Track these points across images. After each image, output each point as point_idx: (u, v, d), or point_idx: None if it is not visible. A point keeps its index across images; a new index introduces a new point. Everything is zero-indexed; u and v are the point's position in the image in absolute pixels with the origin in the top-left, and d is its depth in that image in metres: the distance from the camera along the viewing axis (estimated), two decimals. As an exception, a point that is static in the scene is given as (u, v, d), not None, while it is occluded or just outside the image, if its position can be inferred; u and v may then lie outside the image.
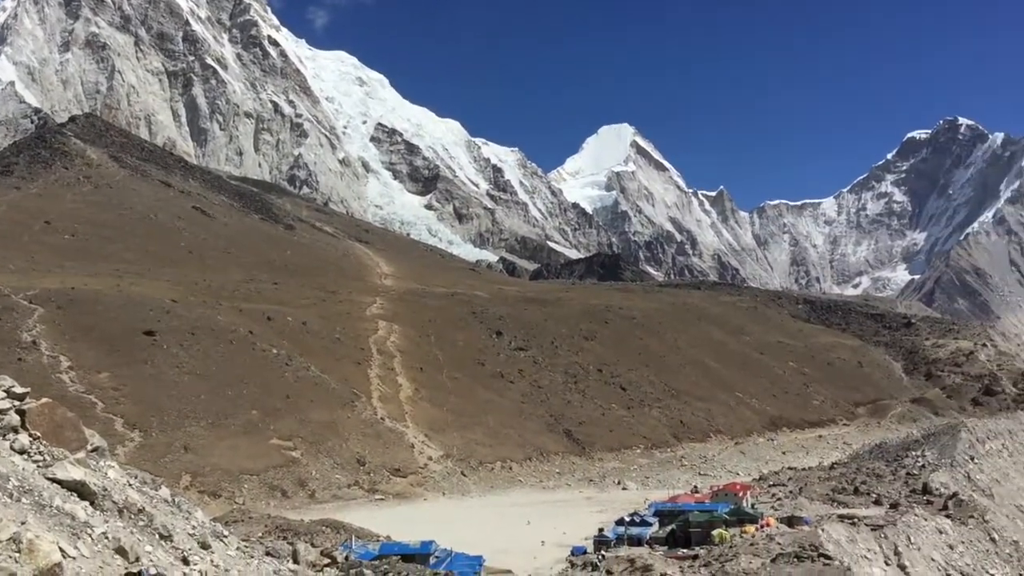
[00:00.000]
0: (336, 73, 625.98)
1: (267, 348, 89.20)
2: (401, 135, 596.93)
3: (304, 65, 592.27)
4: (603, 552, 40.95)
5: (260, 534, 42.80)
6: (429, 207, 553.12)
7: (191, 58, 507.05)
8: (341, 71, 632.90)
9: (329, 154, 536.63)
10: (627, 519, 48.05)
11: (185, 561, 17.91)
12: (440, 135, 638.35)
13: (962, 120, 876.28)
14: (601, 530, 46.65)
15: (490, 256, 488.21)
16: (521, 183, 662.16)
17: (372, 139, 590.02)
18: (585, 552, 42.94)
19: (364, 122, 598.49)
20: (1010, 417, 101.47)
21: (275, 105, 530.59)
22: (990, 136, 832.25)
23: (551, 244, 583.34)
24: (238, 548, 21.71)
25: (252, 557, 21.72)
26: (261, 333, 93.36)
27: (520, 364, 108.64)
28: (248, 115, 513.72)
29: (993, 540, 52.18)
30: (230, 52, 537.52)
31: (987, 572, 47.28)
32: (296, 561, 30.35)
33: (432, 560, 37.56)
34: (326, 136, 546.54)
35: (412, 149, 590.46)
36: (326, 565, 32.69)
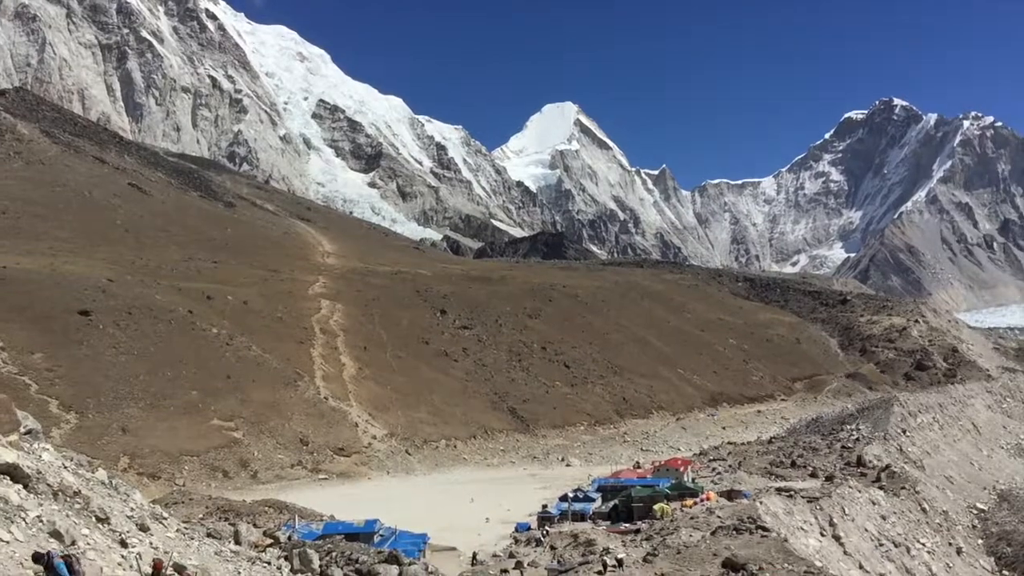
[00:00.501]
0: (276, 48, 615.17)
1: (207, 328, 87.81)
2: (343, 112, 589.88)
3: (243, 39, 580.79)
4: (547, 528, 41.32)
5: (201, 516, 42.31)
6: (372, 185, 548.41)
7: (125, 31, 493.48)
8: (281, 46, 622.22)
9: (270, 131, 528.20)
10: (571, 495, 48.55)
11: (123, 544, 17.66)
12: (383, 112, 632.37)
13: (897, 101, 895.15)
14: (545, 506, 47.05)
15: (434, 234, 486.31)
16: (465, 161, 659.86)
17: (314, 116, 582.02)
18: (529, 528, 43.30)
19: (305, 98, 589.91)
20: (940, 391, 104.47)
21: (213, 80, 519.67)
22: (924, 117, 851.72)
23: (495, 222, 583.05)
24: (178, 530, 21.47)
25: (192, 539, 21.50)
26: (201, 312, 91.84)
27: (464, 342, 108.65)
28: (185, 90, 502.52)
29: (924, 510, 53.82)
30: (166, 25, 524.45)
31: (918, 541, 48.73)
32: (238, 542, 30.06)
33: (376, 539, 37.53)
34: (266, 112, 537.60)
35: (355, 126, 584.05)
36: (268, 545, 32.45)
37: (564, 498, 48.08)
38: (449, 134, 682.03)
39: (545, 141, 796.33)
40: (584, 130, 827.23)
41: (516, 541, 40.62)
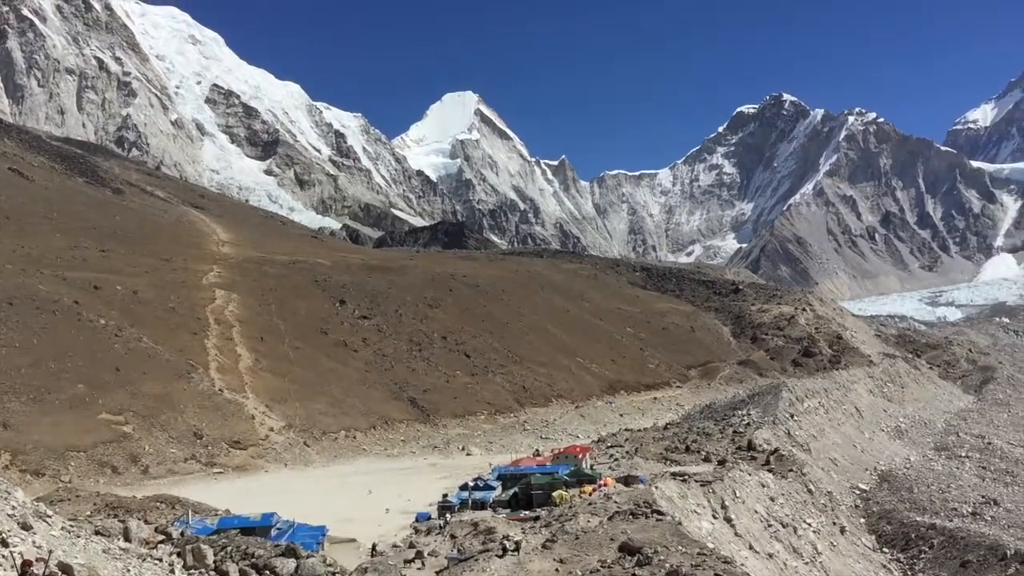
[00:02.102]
0: (168, 30, 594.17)
1: (94, 319, 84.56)
2: (238, 97, 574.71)
3: (132, 20, 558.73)
4: (447, 517, 41.35)
5: (88, 513, 40.81)
6: (269, 172, 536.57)
7: (5, 8, 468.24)
8: (173, 28, 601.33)
9: (160, 115, 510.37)
10: (471, 484, 48.67)
11: (4, 543, 16.91)
12: (280, 98, 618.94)
13: (786, 96, 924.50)
14: (445, 495, 47.04)
15: (333, 223, 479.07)
16: (364, 149, 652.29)
17: (207, 100, 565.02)
18: (429, 518, 43.23)
19: (198, 82, 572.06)
20: (826, 377, 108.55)
21: (100, 62, 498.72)
22: (811, 112, 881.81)
23: (395, 212, 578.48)
24: (63, 528, 20.68)
25: (79, 536, 20.74)
26: (88, 303, 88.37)
27: (364, 332, 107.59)
28: (70, 72, 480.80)
29: (810, 491, 55.85)
30: (49, 3, 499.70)
31: (804, 521, 50.53)
32: (128, 539, 29.16)
33: (273, 532, 36.88)
34: (157, 96, 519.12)
35: (250, 112, 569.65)
36: (160, 542, 31.57)
37: (465, 487, 48.16)
38: (348, 122, 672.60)
39: (446, 130, 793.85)
40: (485, 120, 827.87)
41: (416, 531, 40.49)
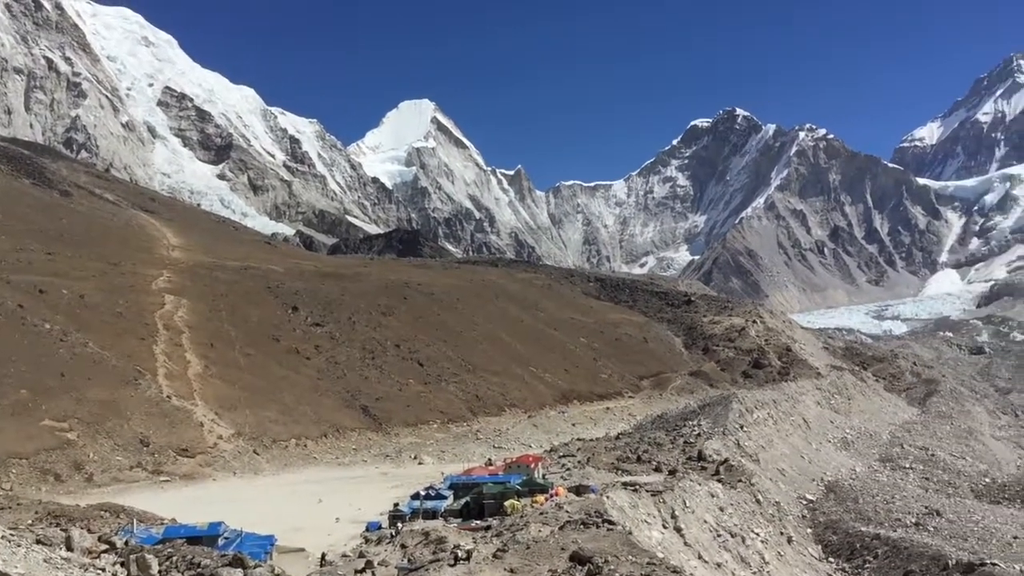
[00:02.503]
0: (120, 31, 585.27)
1: (39, 323, 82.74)
2: (191, 100, 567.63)
3: (83, 20, 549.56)
4: (398, 526, 41.12)
5: (30, 521, 39.83)
6: (222, 177, 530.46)
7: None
8: (125, 29, 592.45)
9: (111, 117, 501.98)
10: (423, 493, 48.42)
11: (-60, 553, 16.48)
12: (234, 102, 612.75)
13: (740, 111, 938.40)
14: (396, 505, 46.71)
15: (286, 229, 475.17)
16: (319, 155, 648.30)
17: (159, 103, 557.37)
18: (380, 527, 42.93)
19: (151, 85, 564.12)
20: (775, 388, 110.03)
21: (49, 62, 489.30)
22: (763, 127, 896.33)
23: (350, 218, 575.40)
24: (3, 536, 20.21)
25: (19, 546, 20.29)
26: (32, 307, 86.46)
27: (317, 340, 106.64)
28: (18, 71, 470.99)
29: (758, 501, 56.52)
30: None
31: (752, 531, 51.13)
32: (70, 548, 28.59)
33: (221, 541, 36.35)
34: (107, 98, 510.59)
35: (203, 116, 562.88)
36: (103, 551, 30.96)
37: (416, 496, 47.92)
38: (303, 127, 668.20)
39: (401, 138, 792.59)
40: (441, 128, 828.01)
41: (367, 540, 40.22)
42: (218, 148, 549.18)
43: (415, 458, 79.03)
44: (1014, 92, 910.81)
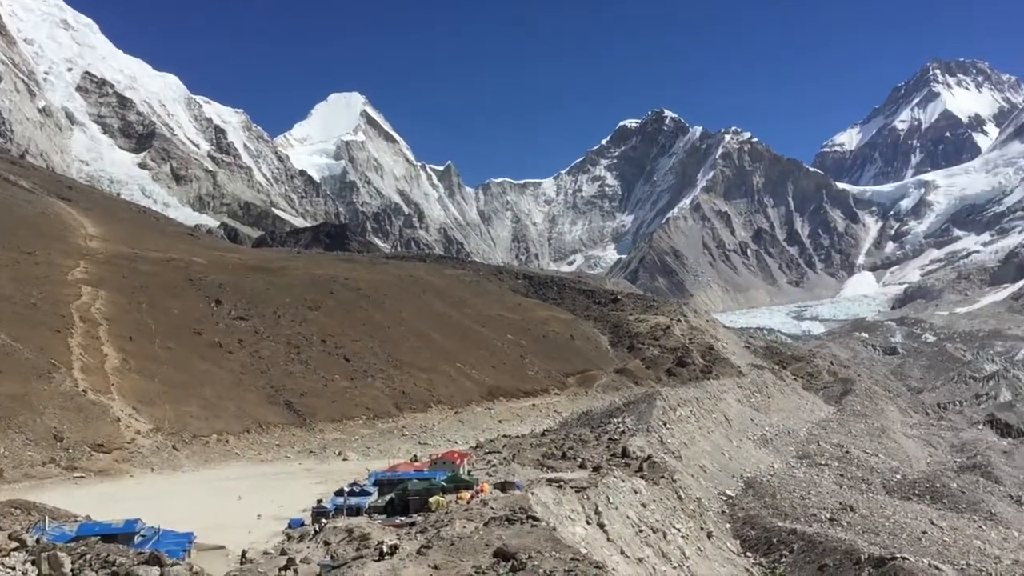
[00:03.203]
0: (37, 13, 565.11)
1: (-54, 313, 79.67)
2: (112, 86, 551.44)
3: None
4: (322, 523, 40.73)
5: (-66, 520, 38.34)
6: (143, 166, 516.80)
7: None
8: (43, 11, 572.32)
9: (27, 102, 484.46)
10: (347, 489, 47.98)
11: None
12: (157, 90, 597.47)
13: (667, 113, 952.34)
14: (320, 501, 46.27)
15: (210, 221, 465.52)
16: (245, 146, 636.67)
17: (78, 89, 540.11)
18: (303, 524, 42.47)
19: (69, 69, 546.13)
20: (698, 386, 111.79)
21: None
22: (690, 129, 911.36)
23: (276, 211, 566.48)
24: (-95, 536, 19.40)
25: (-78, 545, 19.51)
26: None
27: (240, 334, 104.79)
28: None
29: (680, 498, 57.41)
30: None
31: (673, 527, 51.94)
32: (-23, 547, 27.63)
33: (137, 539, 35.51)
34: (23, 82, 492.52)
35: (125, 102, 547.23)
36: (13, 549, 29.94)
37: (340, 492, 47.47)
38: (229, 117, 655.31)
39: (330, 131, 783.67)
40: (371, 122, 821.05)
41: (288, 537, 39.73)
42: (140, 136, 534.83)
43: (340, 454, 78.28)
44: (930, 101, 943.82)
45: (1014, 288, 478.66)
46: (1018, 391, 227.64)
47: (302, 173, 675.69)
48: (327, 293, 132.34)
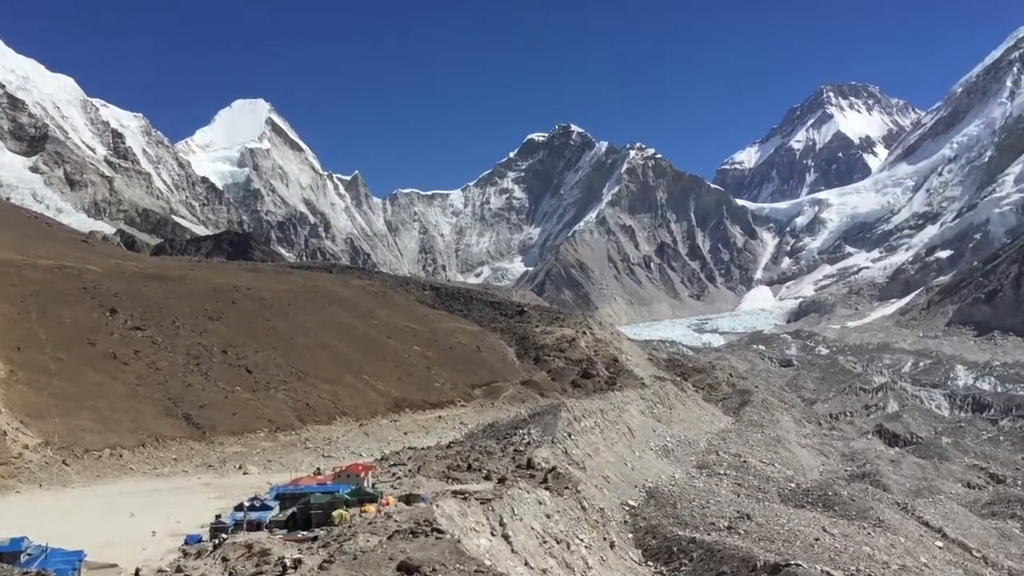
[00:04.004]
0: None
1: None
2: (3, 87, 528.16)
3: None
4: (220, 538, 39.80)
5: None
6: (35, 170, 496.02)
7: None
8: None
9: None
10: (247, 504, 46.95)
11: None
12: (51, 91, 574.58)
13: (574, 127, 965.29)
14: (219, 516, 45.16)
15: (106, 228, 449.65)
16: (145, 152, 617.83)
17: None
18: (200, 540, 41.38)
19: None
20: (602, 398, 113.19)
21: None
22: (596, 144, 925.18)
23: (176, 218, 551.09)
24: None
25: None
26: None
27: (137, 344, 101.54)
28: None
29: (583, 508, 58.05)
30: None
31: (577, 537, 52.49)
32: None
33: (24, 558, 34.04)
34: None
35: (16, 104, 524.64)
36: None
37: (240, 507, 46.40)
38: (128, 121, 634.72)
39: (234, 137, 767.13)
40: (276, 129, 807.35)
41: (185, 554, 38.68)
42: (32, 139, 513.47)
43: (240, 468, 76.55)
44: (824, 122, 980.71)
45: (901, 303, 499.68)
46: (904, 402, 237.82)
47: (204, 180, 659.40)
48: (229, 303, 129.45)
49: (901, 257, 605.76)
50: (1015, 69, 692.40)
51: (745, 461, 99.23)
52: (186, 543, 41.18)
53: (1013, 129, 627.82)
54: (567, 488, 58.24)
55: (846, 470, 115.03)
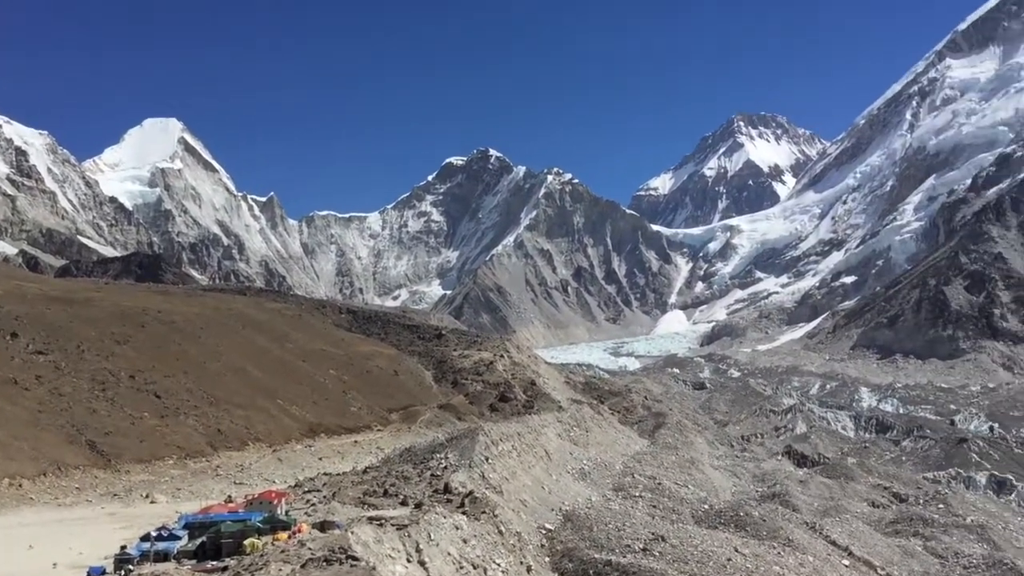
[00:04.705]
0: None
1: None
2: None
3: None
4: (126, 569, 38.52)
5: None
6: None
7: None
8: None
9: None
10: (153, 534, 45.54)
11: None
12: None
13: (493, 151, 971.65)
14: (124, 547, 43.67)
15: (8, 248, 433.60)
16: (50, 170, 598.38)
17: None
18: (104, 572, 39.97)
19: None
20: (520, 421, 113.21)
21: None
22: (515, 168, 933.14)
23: (83, 239, 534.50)
24: None
25: None
26: None
27: (39, 369, 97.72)
28: None
29: (500, 532, 57.97)
30: None
31: (494, 562, 52.36)
32: None
33: (-87, 596, 32.39)
34: None
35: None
36: None
37: (146, 537, 44.97)
38: (32, 139, 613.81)
39: (145, 157, 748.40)
40: (189, 149, 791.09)
41: (88, 587, 37.35)
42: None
43: (147, 497, 74.20)
44: (735, 151, 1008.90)
45: (809, 327, 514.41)
46: (812, 423, 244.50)
47: (112, 200, 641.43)
48: (138, 326, 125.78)
49: (808, 282, 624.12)
50: (914, 102, 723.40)
51: (660, 483, 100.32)
52: (89, 575, 39.75)
53: (913, 160, 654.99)
54: (484, 512, 58.09)
55: (757, 491, 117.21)
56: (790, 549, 75.10)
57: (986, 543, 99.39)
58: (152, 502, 72.63)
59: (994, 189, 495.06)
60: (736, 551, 68.78)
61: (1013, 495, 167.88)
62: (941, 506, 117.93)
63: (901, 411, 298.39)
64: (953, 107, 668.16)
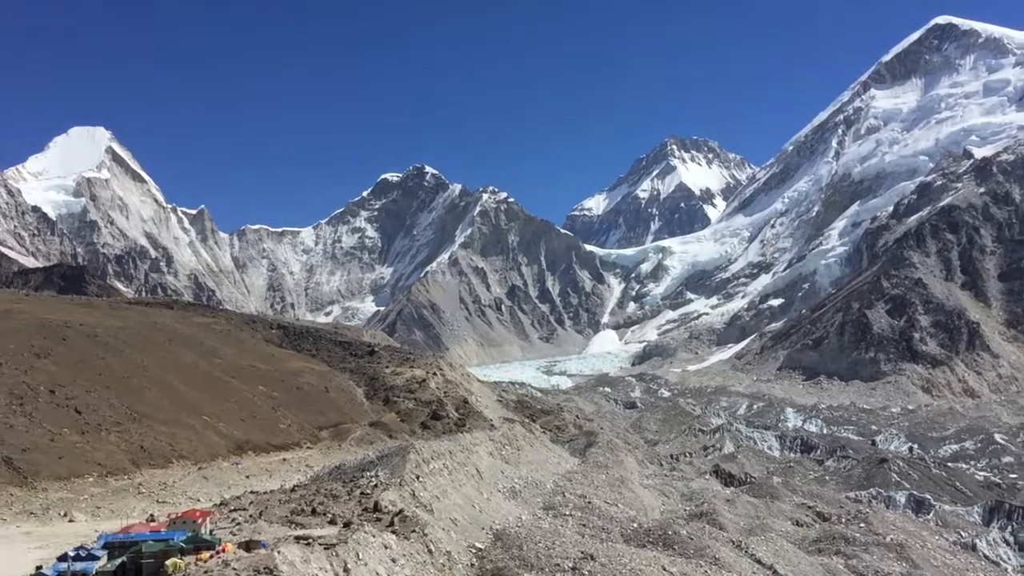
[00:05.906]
0: None
1: None
2: None
3: None
4: (41, 591, 37.33)
5: None
6: None
7: None
8: None
9: None
10: (71, 554, 44.19)
11: None
12: None
13: (428, 168, 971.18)
14: (39, 568, 42.35)
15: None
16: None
17: None
18: (18, 594, 38.71)
19: None
20: (451, 439, 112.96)
21: None
22: (450, 186, 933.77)
23: (3, 249, 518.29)
24: None
25: None
26: None
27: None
28: None
29: (430, 551, 57.72)
30: None
31: (423, 580, 52.07)
32: None
33: None
34: None
35: None
36: None
37: (64, 557, 43.64)
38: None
39: (71, 166, 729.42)
40: (117, 159, 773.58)
41: (1, 609, 36.08)
42: None
43: (65, 515, 71.97)
44: (667, 173, 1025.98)
45: (737, 348, 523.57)
46: (739, 443, 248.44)
47: (35, 209, 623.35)
48: (59, 339, 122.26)
49: (737, 304, 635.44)
50: (840, 131, 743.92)
51: (590, 502, 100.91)
52: (2, 598, 38.44)
53: (838, 186, 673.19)
54: (414, 531, 57.78)
55: (685, 509, 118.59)
56: (717, 567, 76.21)
57: (905, 561, 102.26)
58: (70, 521, 70.46)
59: (915, 216, 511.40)
60: (664, 569, 69.56)
61: (931, 514, 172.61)
62: (862, 525, 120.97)
63: (825, 431, 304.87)
64: (877, 136, 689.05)
